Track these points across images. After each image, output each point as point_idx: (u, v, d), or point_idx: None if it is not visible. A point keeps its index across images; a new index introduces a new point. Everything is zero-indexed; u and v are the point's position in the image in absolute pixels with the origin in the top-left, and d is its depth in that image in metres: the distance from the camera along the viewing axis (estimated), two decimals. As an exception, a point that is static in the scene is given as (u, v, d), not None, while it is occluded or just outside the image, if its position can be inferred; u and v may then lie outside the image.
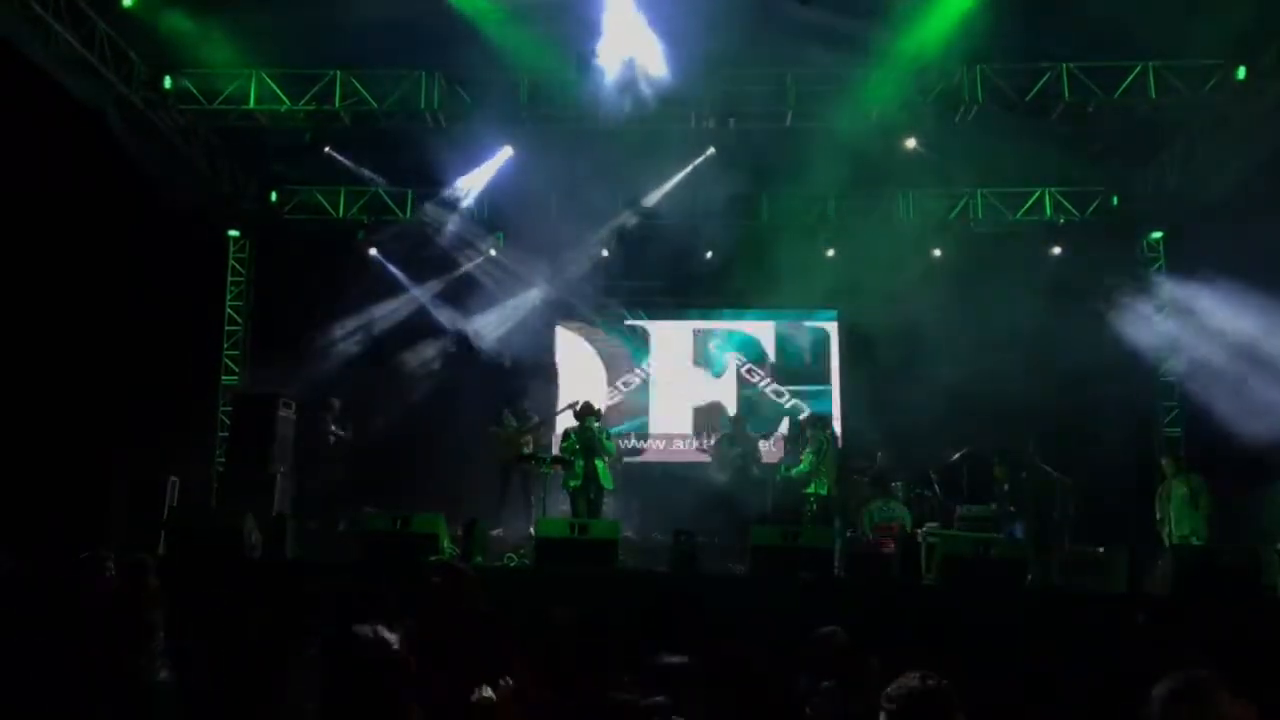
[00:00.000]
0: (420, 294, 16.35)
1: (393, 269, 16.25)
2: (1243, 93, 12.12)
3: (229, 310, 15.87)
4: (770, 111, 12.93)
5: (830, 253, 15.73)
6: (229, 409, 15.09)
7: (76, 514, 10.42)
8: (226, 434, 14.81)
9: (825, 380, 16.77)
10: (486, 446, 13.51)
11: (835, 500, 12.50)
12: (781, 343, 16.99)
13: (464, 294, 16.28)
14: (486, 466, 13.37)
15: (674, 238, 15.59)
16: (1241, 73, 11.98)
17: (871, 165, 13.86)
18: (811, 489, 12.56)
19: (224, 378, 15.65)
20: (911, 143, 13.41)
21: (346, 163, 14.43)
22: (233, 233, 15.98)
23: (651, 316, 17.00)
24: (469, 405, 14.69)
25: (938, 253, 15.56)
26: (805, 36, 11.68)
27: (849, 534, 12.26)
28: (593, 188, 14.38)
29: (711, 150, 13.91)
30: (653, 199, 15.17)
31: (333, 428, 13.80)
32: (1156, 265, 15.49)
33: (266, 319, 15.93)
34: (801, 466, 12.83)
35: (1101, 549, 11.38)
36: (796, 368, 16.90)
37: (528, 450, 12.96)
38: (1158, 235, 15.42)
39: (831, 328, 16.89)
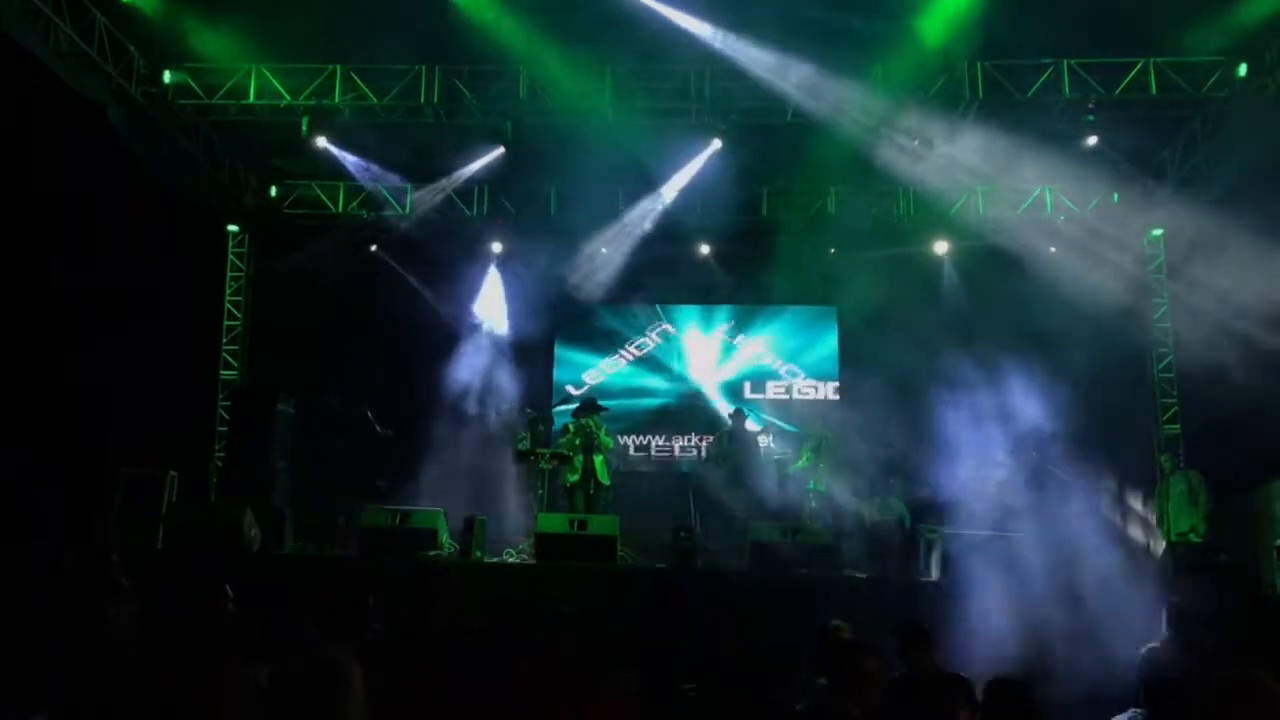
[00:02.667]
0: (421, 288, 16.35)
1: (393, 264, 16.25)
2: (1244, 90, 12.11)
3: (228, 305, 15.85)
4: (771, 107, 12.88)
5: (831, 250, 15.66)
6: (228, 404, 15.10)
7: (75, 509, 10.41)
8: (225, 429, 14.83)
9: (824, 375, 16.77)
10: (485, 444, 13.52)
11: (835, 496, 12.52)
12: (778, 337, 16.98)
13: (465, 288, 16.26)
14: (486, 462, 13.35)
15: (672, 233, 15.60)
16: (1243, 70, 11.98)
17: (872, 161, 13.84)
18: (811, 485, 12.58)
19: (223, 373, 15.62)
20: (915, 140, 13.36)
21: (344, 158, 14.37)
22: (232, 227, 15.95)
23: (649, 309, 17.00)
24: (469, 399, 14.72)
25: (942, 248, 15.50)
26: (806, 32, 11.67)
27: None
28: (592, 183, 14.35)
29: (718, 142, 13.80)
30: (670, 194, 15.05)
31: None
32: (1157, 262, 15.48)
33: (266, 314, 15.91)
34: (800, 463, 12.85)
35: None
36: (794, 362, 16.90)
37: (526, 445, 12.96)
38: (1158, 233, 15.39)
39: (831, 323, 16.89)
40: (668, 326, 17.01)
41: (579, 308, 16.70)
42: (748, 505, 12.79)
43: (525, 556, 10.97)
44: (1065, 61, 12.40)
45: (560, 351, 16.87)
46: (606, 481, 12.19)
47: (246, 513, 10.44)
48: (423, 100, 12.98)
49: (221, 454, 14.62)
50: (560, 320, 16.85)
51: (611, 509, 12.13)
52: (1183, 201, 14.01)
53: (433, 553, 10.33)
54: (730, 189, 14.81)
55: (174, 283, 13.53)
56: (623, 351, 16.93)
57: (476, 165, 14.57)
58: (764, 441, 15.35)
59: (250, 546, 10.33)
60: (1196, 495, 11.40)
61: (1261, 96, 11.82)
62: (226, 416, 14.97)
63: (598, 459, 12.09)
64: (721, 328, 17.03)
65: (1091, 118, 12.67)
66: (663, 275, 16.33)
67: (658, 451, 16.53)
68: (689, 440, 16.49)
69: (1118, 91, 12.45)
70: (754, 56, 12.27)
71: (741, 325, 16.99)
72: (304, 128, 13.23)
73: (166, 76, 12.81)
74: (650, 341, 16.97)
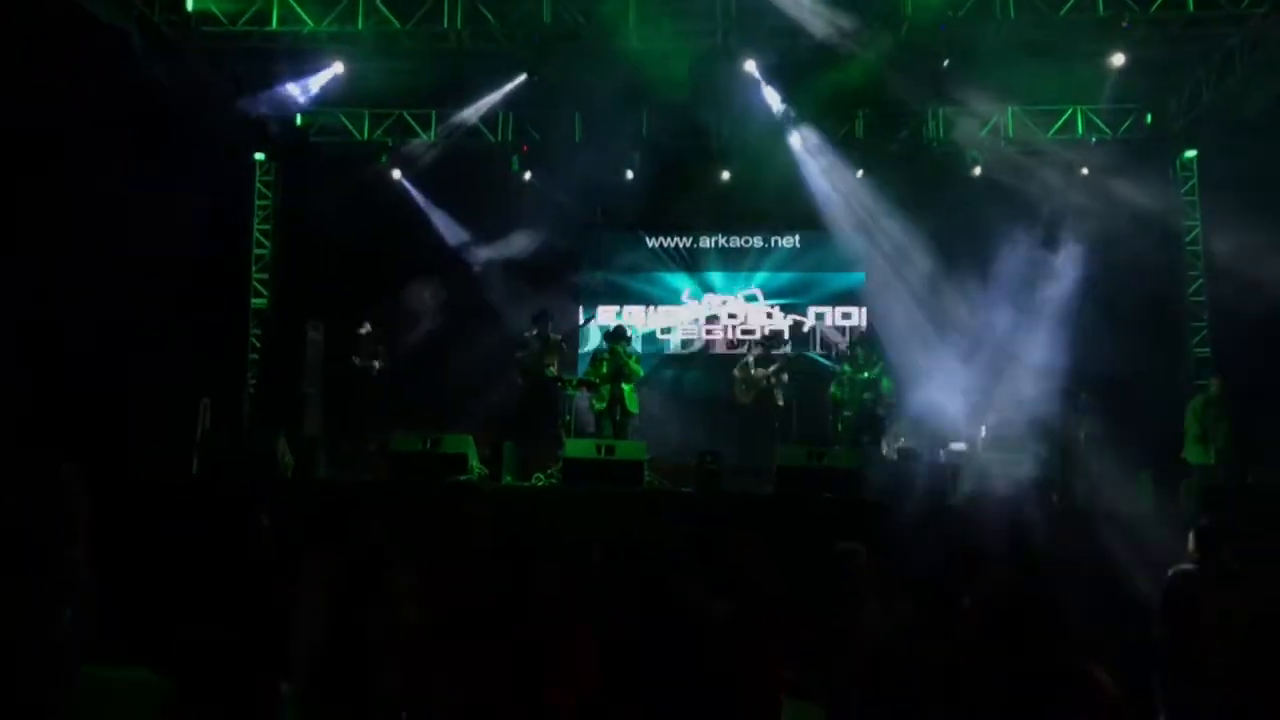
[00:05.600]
0: (444, 216, 16.35)
1: (416, 192, 16.23)
2: (1282, 4, 11.80)
3: (257, 233, 15.91)
4: (798, 27, 12.65)
5: (859, 173, 15.46)
6: (259, 331, 15.25)
7: (109, 436, 10.55)
8: (257, 356, 14.99)
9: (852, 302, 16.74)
10: (513, 370, 13.58)
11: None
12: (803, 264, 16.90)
13: (488, 215, 16.22)
14: (514, 388, 13.44)
15: (692, 158, 15.51)
16: (1285, -17, 11.66)
17: (901, 83, 13.63)
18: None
19: (253, 300, 15.74)
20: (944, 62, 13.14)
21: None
22: (259, 155, 15.95)
23: (674, 237, 16.98)
24: (495, 326, 14.81)
25: (977, 171, 15.27)
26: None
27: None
28: (617, 107, 14.22)
29: (752, 62, 13.59)
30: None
31: (374, 359, 13.65)
32: (1189, 184, 15.26)
33: (294, 241, 15.97)
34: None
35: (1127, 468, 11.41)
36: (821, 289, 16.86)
37: (553, 372, 13.03)
38: (1192, 154, 15.14)
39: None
40: (696, 251, 17.00)
41: (604, 234, 16.71)
42: (772, 429, 12.92)
43: (554, 481, 11.09)
44: (1099, -22, 12.12)
45: (585, 278, 16.89)
46: (634, 410, 12.23)
47: (280, 439, 10.60)
48: (445, 24, 12.84)
49: (254, 381, 14.81)
50: (585, 246, 16.85)
51: (638, 436, 12.21)
52: (1217, 121, 13.79)
53: (463, 477, 10.47)
54: (753, 110, 14.64)
55: (201, 212, 13.57)
56: (652, 276, 17.00)
57: (500, 91, 14.45)
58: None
59: (284, 473, 10.52)
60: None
61: None
62: (258, 344, 15.13)
63: (626, 387, 12.12)
64: (745, 255, 16.98)
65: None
66: (686, 200, 16.23)
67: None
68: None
69: (1153, 9, 12.15)
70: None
71: (765, 253, 16.91)
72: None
73: (189, 3, 12.72)
74: (679, 267, 16.99)
